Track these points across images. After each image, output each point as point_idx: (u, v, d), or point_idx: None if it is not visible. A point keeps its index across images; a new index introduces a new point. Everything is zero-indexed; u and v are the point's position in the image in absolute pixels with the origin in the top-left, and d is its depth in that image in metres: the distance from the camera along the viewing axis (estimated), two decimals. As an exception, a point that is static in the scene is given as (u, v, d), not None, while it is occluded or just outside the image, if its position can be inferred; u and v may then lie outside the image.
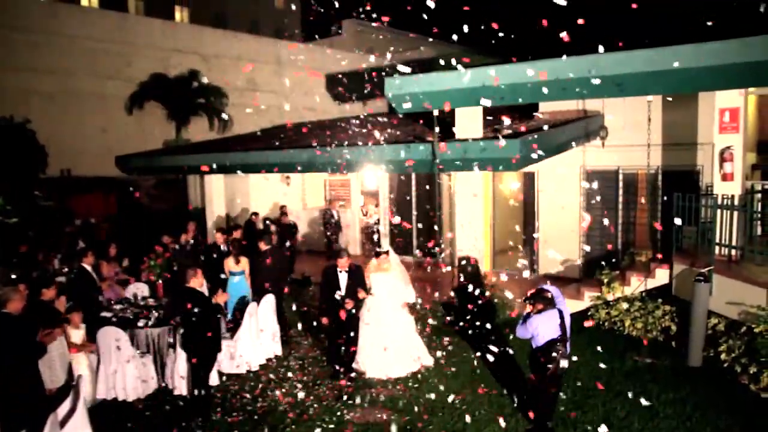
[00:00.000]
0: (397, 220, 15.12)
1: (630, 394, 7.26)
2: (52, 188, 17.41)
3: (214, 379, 7.67)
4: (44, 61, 18.88)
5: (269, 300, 8.96)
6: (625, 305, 9.37)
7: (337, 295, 7.91)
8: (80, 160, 18.76)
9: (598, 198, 12.77)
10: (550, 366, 6.09)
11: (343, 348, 8.02)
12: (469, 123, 10.89)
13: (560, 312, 6.24)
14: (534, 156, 9.52)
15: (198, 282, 6.91)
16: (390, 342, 8.07)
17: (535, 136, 9.90)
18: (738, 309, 7.78)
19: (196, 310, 6.66)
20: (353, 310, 8.06)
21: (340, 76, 27.25)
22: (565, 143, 11.14)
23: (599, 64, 8.30)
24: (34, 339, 5.80)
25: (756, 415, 6.72)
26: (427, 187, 15.82)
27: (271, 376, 8.29)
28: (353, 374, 8.10)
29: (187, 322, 6.86)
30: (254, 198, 17.51)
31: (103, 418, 6.79)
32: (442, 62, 10.65)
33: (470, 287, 10.36)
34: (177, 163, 16.14)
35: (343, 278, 7.98)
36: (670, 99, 11.19)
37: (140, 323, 7.95)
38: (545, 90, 8.87)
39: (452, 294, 11.28)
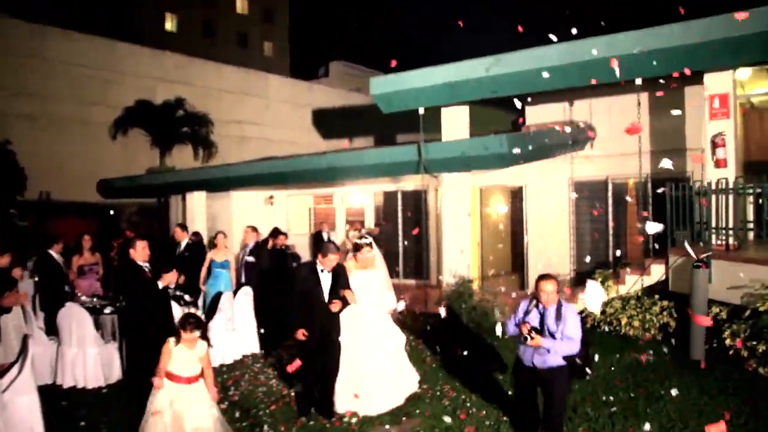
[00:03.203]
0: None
1: (632, 384, 6.82)
2: (30, 211, 16.92)
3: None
4: (28, 83, 18.75)
5: (247, 293, 8.45)
6: (619, 303, 8.95)
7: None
8: (61, 185, 18.35)
9: (588, 209, 12.54)
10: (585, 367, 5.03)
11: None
12: (455, 124, 10.73)
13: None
14: (522, 151, 9.32)
15: (140, 255, 6.09)
16: (377, 366, 6.20)
17: (522, 134, 9.75)
18: (740, 293, 7.41)
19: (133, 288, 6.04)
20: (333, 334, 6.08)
21: (326, 112, 27.42)
22: (552, 146, 10.98)
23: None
24: None
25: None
26: (412, 213, 15.56)
27: (246, 370, 7.72)
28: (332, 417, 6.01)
29: (124, 299, 6.28)
30: (237, 223, 17.06)
31: (54, 404, 6.21)
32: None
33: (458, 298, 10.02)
34: (158, 181, 15.80)
35: (325, 279, 5.93)
36: (659, 96, 11.14)
37: (106, 310, 7.42)
38: (532, 79, 8.75)
39: (440, 308, 10.82)
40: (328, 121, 27.28)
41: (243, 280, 9.22)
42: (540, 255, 12.88)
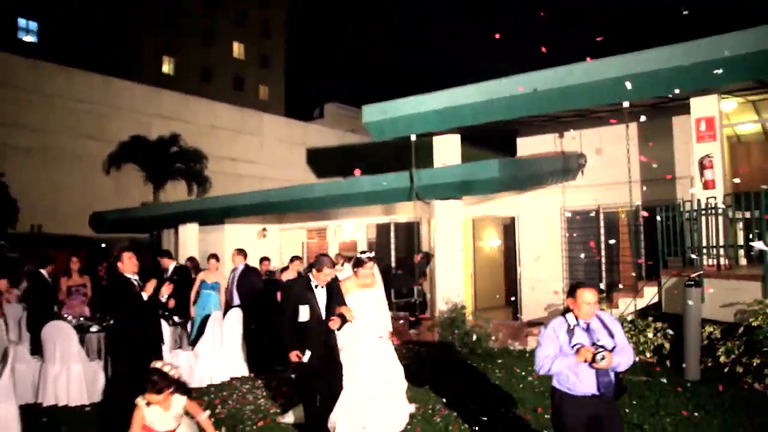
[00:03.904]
0: None
1: (627, 401, 6.71)
2: (21, 243, 16.80)
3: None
4: (24, 117, 18.93)
5: (236, 314, 8.34)
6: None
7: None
8: (53, 218, 18.33)
9: (580, 239, 12.56)
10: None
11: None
12: (447, 152, 10.84)
13: None
14: (513, 175, 9.40)
15: (128, 267, 6.07)
16: (380, 390, 5.76)
17: (514, 159, 9.86)
18: (734, 310, 7.38)
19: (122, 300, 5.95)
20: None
21: (321, 151, 27.64)
22: (543, 174, 11.08)
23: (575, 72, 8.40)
24: None
25: (764, 412, 6.18)
26: (404, 245, 15.54)
27: (234, 390, 7.55)
28: None
29: (112, 314, 6.14)
30: (230, 256, 16.98)
31: (33, 421, 6.04)
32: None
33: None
34: (151, 213, 15.79)
35: (320, 295, 5.50)
36: (647, 139, 11.33)
37: (93, 328, 7.31)
38: (521, 104, 8.91)
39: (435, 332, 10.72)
40: (322, 160, 27.51)
41: (236, 302, 9.10)
42: (533, 285, 12.83)
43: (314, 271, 5.51)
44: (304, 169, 27.68)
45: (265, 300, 9.15)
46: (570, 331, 3.94)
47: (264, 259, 10.93)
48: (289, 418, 6.16)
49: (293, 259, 10.40)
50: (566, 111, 9.97)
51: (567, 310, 4.05)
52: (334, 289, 5.58)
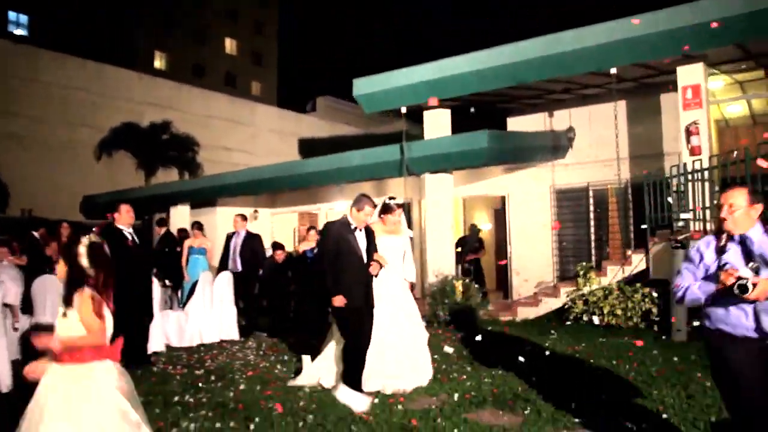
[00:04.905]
0: None
1: (614, 356, 6.80)
2: (11, 228, 16.74)
3: (157, 345, 7.00)
4: (17, 103, 18.92)
5: (226, 278, 8.38)
6: (601, 292, 8.98)
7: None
8: (44, 204, 18.27)
9: (570, 216, 12.65)
10: None
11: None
12: (437, 126, 10.92)
13: None
14: (502, 147, 9.49)
15: (125, 219, 6.20)
16: (398, 339, 5.56)
17: (503, 132, 9.96)
18: (718, 269, 7.45)
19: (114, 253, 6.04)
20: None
21: (313, 142, 27.67)
22: (532, 149, 11.17)
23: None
24: None
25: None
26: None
27: (224, 351, 7.58)
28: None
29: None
30: (221, 238, 16.98)
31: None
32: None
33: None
34: (143, 194, 15.82)
35: (360, 237, 5.21)
36: (634, 108, 11.46)
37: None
38: (511, 73, 9.00)
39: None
40: (314, 151, 27.53)
41: (239, 268, 9.06)
42: (523, 263, 12.90)
43: (354, 210, 5.19)
44: (296, 159, 27.77)
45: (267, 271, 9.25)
46: (720, 249, 3.02)
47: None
48: (301, 380, 5.68)
49: (310, 228, 10.44)
50: (553, 80, 10.03)
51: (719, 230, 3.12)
52: (371, 233, 5.35)
